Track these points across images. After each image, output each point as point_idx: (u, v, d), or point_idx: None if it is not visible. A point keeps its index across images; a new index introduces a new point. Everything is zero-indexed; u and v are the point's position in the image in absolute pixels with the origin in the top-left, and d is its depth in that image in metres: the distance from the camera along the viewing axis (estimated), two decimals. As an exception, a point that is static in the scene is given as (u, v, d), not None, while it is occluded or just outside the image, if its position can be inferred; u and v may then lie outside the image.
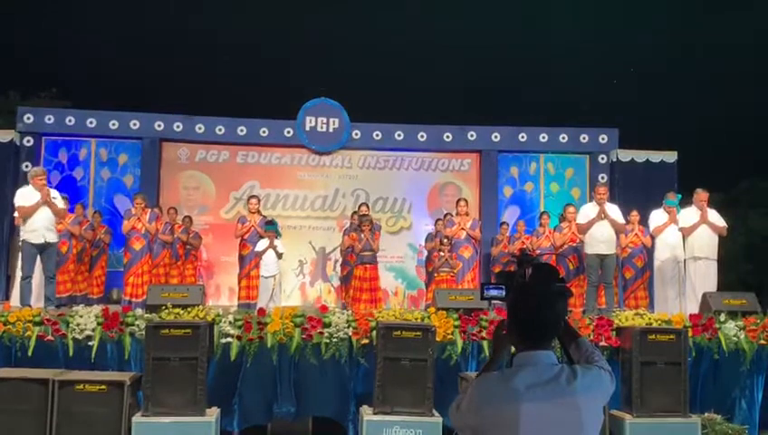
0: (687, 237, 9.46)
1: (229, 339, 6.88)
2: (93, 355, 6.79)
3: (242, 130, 13.69)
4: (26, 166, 12.73)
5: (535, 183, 14.14)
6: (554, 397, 2.31)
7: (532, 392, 2.31)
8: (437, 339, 6.81)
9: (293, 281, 13.65)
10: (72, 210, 11.01)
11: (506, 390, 2.34)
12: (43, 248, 8.42)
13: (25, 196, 8.56)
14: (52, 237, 8.46)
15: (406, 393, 6.50)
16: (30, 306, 7.86)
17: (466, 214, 11.11)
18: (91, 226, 11.71)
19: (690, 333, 7.17)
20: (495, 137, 13.97)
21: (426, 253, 12.41)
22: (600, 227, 9.03)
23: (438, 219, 12.51)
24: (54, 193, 8.65)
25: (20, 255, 9.02)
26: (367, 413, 6.50)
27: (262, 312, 7.16)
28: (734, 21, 23.86)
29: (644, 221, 10.31)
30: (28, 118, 13.08)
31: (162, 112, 13.67)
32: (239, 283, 10.74)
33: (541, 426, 2.29)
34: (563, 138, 13.98)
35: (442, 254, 10.98)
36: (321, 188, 14.00)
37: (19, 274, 8.96)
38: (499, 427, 2.34)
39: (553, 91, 24.44)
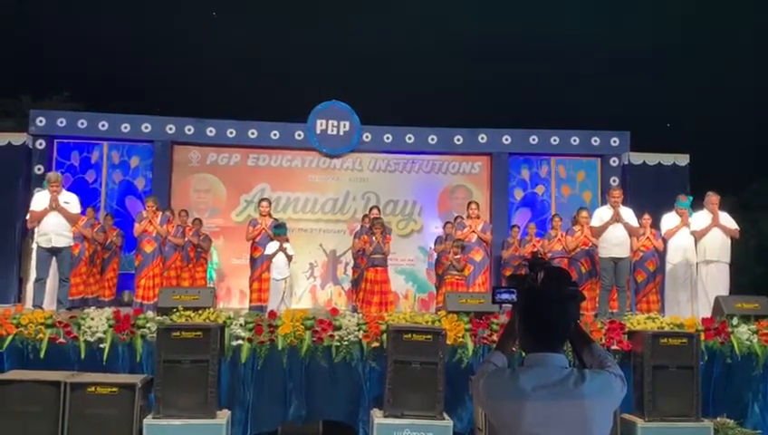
0: (699, 241, 9.41)
1: (240, 341, 6.89)
2: (105, 358, 6.81)
3: (253, 133, 13.72)
4: (38, 169, 12.81)
5: (546, 186, 14.12)
6: (560, 398, 2.31)
7: (538, 393, 2.32)
8: (448, 342, 6.80)
9: (304, 284, 13.67)
10: (83, 213, 11.06)
11: (513, 388, 2.36)
12: (55, 252, 8.48)
13: (38, 201, 8.66)
14: (61, 242, 8.49)
15: (416, 397, 6.49)
16: (41, 307, 7.91)
17: (477, 217, 11.08)
18: (102, 228, 11.76)
19: (702, 337, 7.14)
20: (506, 139, 13.96)
21: (435, 256, 12.40)
22: (614, 231, 8.99)
23: (447, 222, 12.49)
24: (69, 198, 8.68)
25: (33, 257, 9.11)
26: (377, 416, 6.49)
27: (272, 314, 7.17)
28: (743, 22, 23.76)
29: (656, 224, 10.27)
30: (40, 121, 13.16)
31: (173, 115, 13.72)
32: (250, 285, 10.75)
33: (544, 425, 2.30)
34: (575, 140, 13.95)
35: (450, 256, 10.97)
36: (332, 190, 14.02)
37: (32, 277, 9.03)
38: (504, 422, 2.38)
39: (564, 93, 24.38)
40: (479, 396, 2.49)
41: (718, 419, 6.94)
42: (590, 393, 2.33)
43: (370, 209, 12.05)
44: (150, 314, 7.25)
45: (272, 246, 10.34)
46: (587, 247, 10.37)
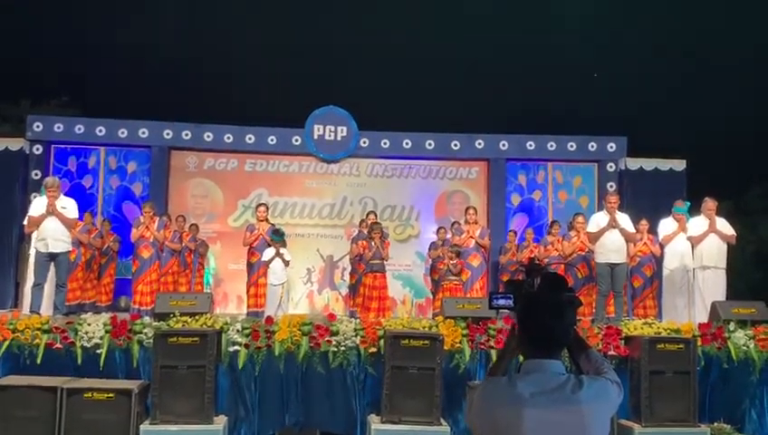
0: (696, 246, 9.43)
1: (237, 347, 6.88)
2: (102, 363, 6.80)
3: (250, 139, 13.72)
4: (36, 174, 12.80)
5: (543, 191, 14.12)
6: (558, 405, 2.31)
7: (537, 399, 2.31)
8: (445, 348, 6.81)
9: (301, 289, 13.65)
10: (80, 218, 11.05)
11: (511, 395, 2.35)
12: (53, 257, 8.47)
13: (37, 206, 8.66)
14: (59, 247, 8.48)
15: (414, 402, 6.50)
16: (38, 313, 7.89)
17: (475, 222, 11.10)
18: (99, 234, 11.74)
19: (699, 343, 7.15)
20: (503, 145, 13.97)
21: (431, 261, 12.40)
22: (611, 236, 8.98)
23: (441, 227, 12.47)
24: (66, 203, 8.67)
25: (31, 262, 9.11)
26: (375, 422, 6.49)
27: (269, 320, 7.16)
28: (744, 23, 23.81)
29: (653, 230, 10.28)
30: (37, 126, 13.14)
31: (171, 121, 13.71)
32: (248, 291, 10.74)
33: (542, 432, 2.29)
34: (571, 146, 13.96)
35: (447, 261, 10.97)
36: (329, 196, 14.01)
37: (29, 281, 9.01)
38: (504, 431, 2.35)
39: (561, 98, 24.42)
40: (475, 407, 2.46)
41: (715, 424, 6.95)
42: (588, 400, 2.32)
43: (368, 215, 12.04)
44: (147, 319, 7.24)
45: (269, 252, 10.34)
46: (584, 253, 10.38)
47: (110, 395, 6.10)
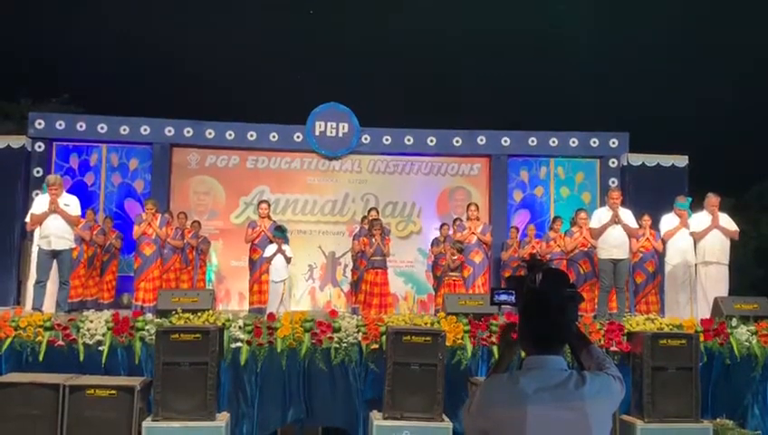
0: (698, 242, 9.41)
1: (239, 344, 6.88)
2: (104, 360, 6.80)
3: (252, 136, 13.72)
4: (37, 172, 12.81)
5: (545, 187, 14.11)
6: (561, 401, 2.31)
7: (540, 396, 2.31)
8: (447, 344, 6.80)
9: (303, 286, 13.66)
10: (83, 215, 11.06)
11: (514, 392, 2.34)
12: (56, 255, 8.47)
13: (39, 204, 8.67)
14: (61, 244, 8.48)
15: (416, 398, 6.48)
16: (41, 310, 7.90)
17: (477, 218, 11.09)
18: (102, 231, 11.75)
19: (701, 338, 7.13)
20: (505, 141, 13.96)
21: (433, 258, 12.39)
22: (613, 232, 8.97)
23: (443, 224, 12.48)
24: (69, 200, 8.66)
25: (33, 259, 9.11)
26: (376, 418, 6.48)
27: (271, 317, 7.16)
28: (749, 22, 23.77)
29: (655, 225, 10.26)
30: (39, 123, 13.14)
31: (172, 118, 13.71)
32: (250, 288, 10.74)
33: (547, 429, 2.29)
34: (573, 142, 13.94)
35: (447, 256, 10.98)
36: (331, 192, 14.02)
37: (32, 279, 9.02)
38: (506, 429, 2.34)
39: (562, 95, 24.39)
40: (475, 405, 2.43)
41: (718, 420, 6.93)
42: (591, 395, 2.32)
43: (369, 211, 12.04)
44: (149, 316, 7.23)
45: (270, 249, 10.34)
46: (586, 249, 10.36)
47: (113, 392, 6.09)
